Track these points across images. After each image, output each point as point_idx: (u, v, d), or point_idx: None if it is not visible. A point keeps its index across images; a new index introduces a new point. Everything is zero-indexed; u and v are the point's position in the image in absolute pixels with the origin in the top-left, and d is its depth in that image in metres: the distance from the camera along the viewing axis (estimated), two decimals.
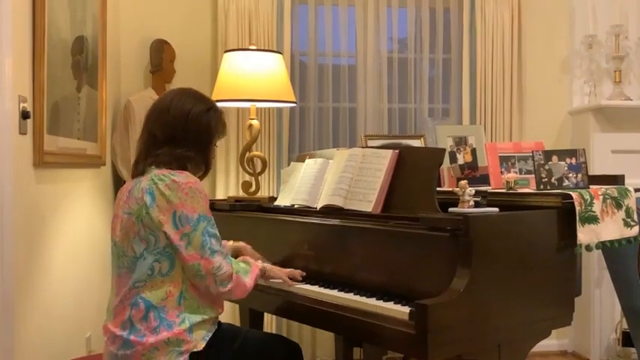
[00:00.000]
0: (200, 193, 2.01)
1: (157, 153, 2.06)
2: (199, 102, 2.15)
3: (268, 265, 2.38)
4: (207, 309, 2.04)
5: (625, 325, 3.69)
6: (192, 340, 1.97)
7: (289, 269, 2.42)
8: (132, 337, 1.95)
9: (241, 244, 2.53)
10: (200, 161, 2.14)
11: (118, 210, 2.07)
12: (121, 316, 1.99)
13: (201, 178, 2.14)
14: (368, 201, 2.39)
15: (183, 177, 2.01)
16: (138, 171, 2.09)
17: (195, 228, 1.98)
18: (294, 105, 3.63)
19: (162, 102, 2.15)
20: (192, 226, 1.98)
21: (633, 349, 3.77)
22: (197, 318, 2.00)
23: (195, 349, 1.98)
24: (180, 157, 2.07)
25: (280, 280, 2.39)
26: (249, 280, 2.12)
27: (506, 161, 2.68)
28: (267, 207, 2.99)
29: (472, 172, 2.89)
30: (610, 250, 2.56)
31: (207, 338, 2.01)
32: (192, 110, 2.10)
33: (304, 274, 2.42)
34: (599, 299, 4.00)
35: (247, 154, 3.42)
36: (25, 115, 2.30)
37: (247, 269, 2.15)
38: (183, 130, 2.08)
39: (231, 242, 2.51)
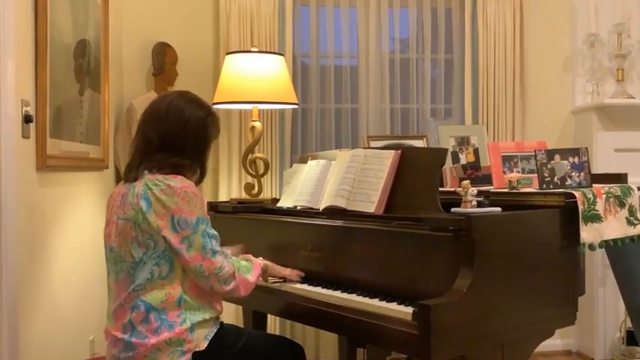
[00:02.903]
0: (196, 197, 1.99)
1: (152, 159, 2.03)
2: (197, 108, 2.11)
3: (270, 263, 2.39)
4: (207, 308, 2.05)
5: (629, 324, 3.68)
6: (193, 339, 1.98)
7: (289, 269, 2.44)
8: (133, 340, 1.95)
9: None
10: (195, 167, 2.13)
11: (112, 215, 2.05)
12: (121, 320, 1.99)
13: (197, 183, 2.10)
14: (370, 202, 2.39)
15: (178, 181, 1.98)
16: (130, 177, 2.05)
17: (195, 231, 1.98)
18: (296, 106, 3.63)
19: (158, 106, 2.11)
20: (192, 229, 1.97)
21: (638, 348, 3.77)
22: (198, 317, 2.00)
23: (197, 349, 1.98)
24: (176, 165, 2.04)
25: (279, 280, 2.41)
26: (251, 277, 2.15)
27: (508, 161, 2.67)
28: (269, 208, 2.98)
29: (474, 172, 2.89)
30: (613, 248, 2.55)
31: (210, 338, 2.02)
32: (190, 117, 2.07)
33: (302, 274, 2.44)
34: (603, 298, 3.99)
35: (250, 156, 3.42)
36: (27, 119, 2.31)
37: (249, 267, 2.18)
38: (181, 137, 2.05)
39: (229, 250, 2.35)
